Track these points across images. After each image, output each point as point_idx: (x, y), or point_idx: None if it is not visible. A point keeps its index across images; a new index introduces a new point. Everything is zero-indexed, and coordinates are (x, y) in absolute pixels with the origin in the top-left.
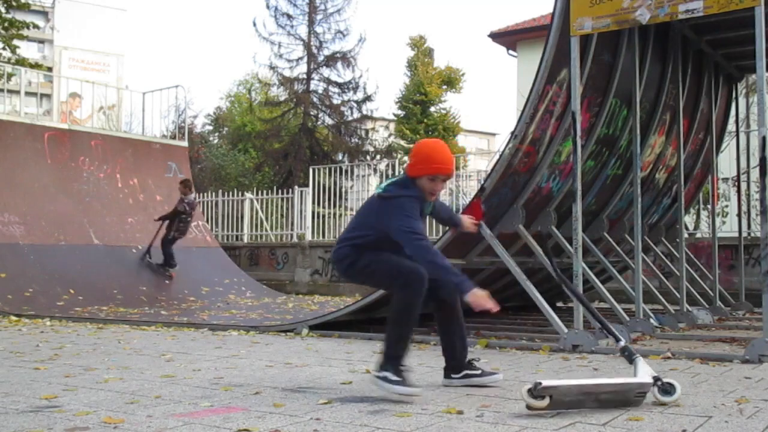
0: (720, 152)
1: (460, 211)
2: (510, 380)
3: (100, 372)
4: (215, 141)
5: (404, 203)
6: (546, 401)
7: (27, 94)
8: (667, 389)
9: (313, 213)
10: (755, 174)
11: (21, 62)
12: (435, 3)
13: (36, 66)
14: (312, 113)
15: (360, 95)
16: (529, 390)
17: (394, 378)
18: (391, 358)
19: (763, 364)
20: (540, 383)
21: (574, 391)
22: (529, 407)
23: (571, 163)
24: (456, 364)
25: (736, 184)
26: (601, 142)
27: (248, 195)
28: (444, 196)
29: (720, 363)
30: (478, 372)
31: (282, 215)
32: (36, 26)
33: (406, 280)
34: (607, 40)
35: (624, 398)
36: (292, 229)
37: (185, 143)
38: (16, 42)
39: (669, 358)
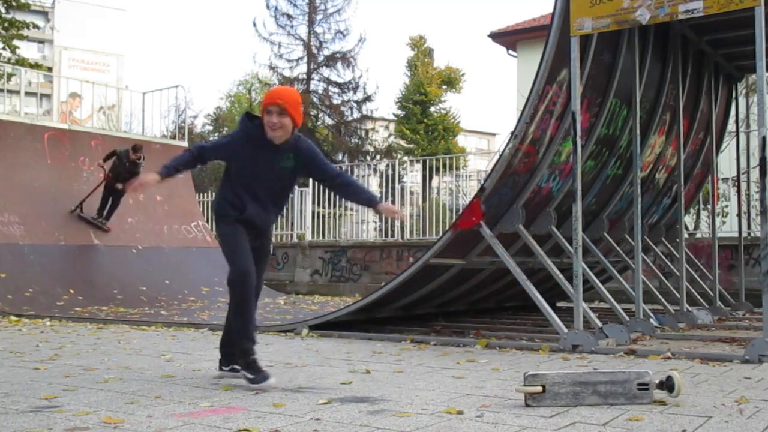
0: (720, 152)
1: (461, 211)
2: (510, 380)
3: (100, 372)
4: None
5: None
6: (539, 388)
7: (27, 94)
8: (671, 384)
9: (313, 213)
10: (755, 174)
11: (21, 62)
12: (435, 3)
13: (36, 66)
14: (312, 113)
15: (360, 95)
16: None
17: (250, 375)
18: (242, 353)
19: (763, 364)
20: (528, 371)
21: (567, 380)
22: (525, 397)
23: (571, 163)
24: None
25: (736, 184)
26: (601, 142)
27: None
28: (444, 196)
29: (720, 363)
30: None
31: (282, 215)
32: (36, 26)
33: (231, 278)
34: (607, 40)
35: (626, 390)
36: (292, 229)
37: (185, 143)
38: (16, 42)
39: (669, 358)
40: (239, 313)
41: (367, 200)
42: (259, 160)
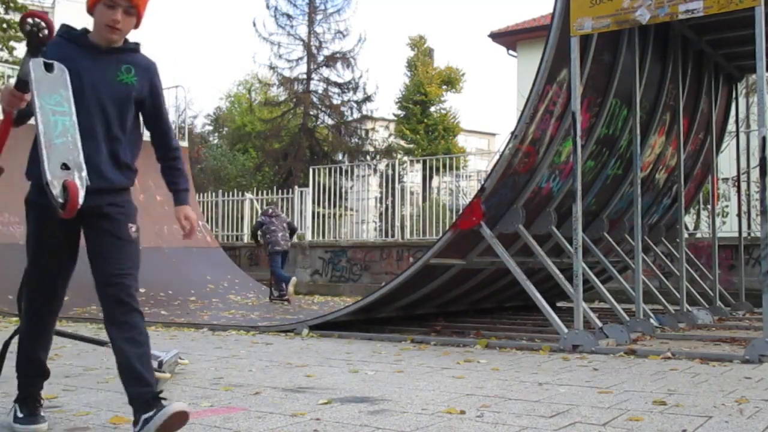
0: (720, 152)
1: (461, 211)
2: (510, 380)
3: (100, 372)
4: (215, 141)
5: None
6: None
7: None
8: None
9: (313, 213)
10: (755, 174)
11: (18, 62)
12: (435, 3)
13: None
14: (312, 113)
15: (360, 95)
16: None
17: (20, 414)
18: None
19: (763, 364)
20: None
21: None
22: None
23: (571, 163)
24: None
25: (736, 184)
26: (601, 142)
27: (248, 195)
28: (444, 196)
29: (720, 363)
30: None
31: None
32: None
33: (25, 301)
34: (607, 40)
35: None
36: None
37: (185, 143)
38: (14, 42)
39: (669, 358)
40: (30, 338)
41: (177, 193)
42: (84, 72)
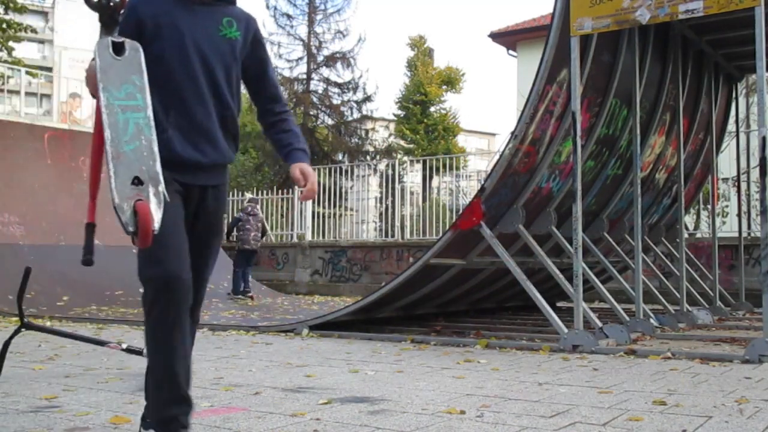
0: (720, 152)
1: (461, 211)
2: (510, 380)
3: (100, 372)
4: None
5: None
6: None
7: (27, 94)
8: None
9: (313, 213)
10: (755, 174)
11: (17, 63)
12: (435, 3)
13: (31, 72)
14: (312, 113)
15: (360, 95)
16: None
17: None
18: (154, 410)
19: (763, 364)
20: None
21: None
22: None
23: (571, 163)
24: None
25: (736, 184)
26: (601, 142)
27: (248, 195)
28: (444, 196)
29: (720, 363)
30: None
31: (282, 215)
32: (34, 31)
33: (146, 286)
34: (607, 40)
35: None
36: (292, 229)
37: None
38: (14, 41)
39: (669, 358)
40: (159, 349)
41: (291, 152)
42: (185, 28)
